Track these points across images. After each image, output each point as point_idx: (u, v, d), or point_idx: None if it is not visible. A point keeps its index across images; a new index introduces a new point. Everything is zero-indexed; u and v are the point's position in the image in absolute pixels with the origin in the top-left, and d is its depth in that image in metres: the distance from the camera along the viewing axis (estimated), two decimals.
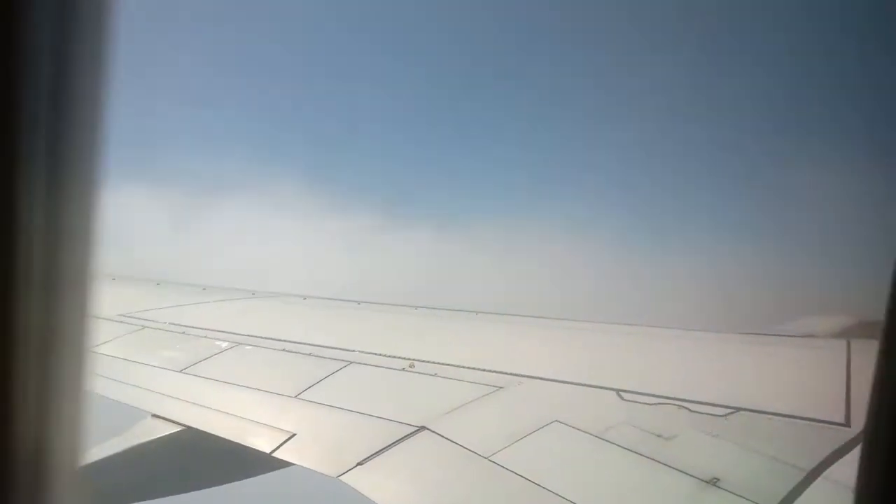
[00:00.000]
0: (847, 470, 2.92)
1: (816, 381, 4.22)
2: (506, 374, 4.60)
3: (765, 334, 5.52)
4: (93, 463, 4.35)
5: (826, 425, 3.34)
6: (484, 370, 4.71)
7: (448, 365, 4.91)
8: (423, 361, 5.04)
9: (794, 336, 5.49)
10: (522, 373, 4.59)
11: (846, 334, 5.12)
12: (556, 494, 3.09)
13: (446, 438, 3.79)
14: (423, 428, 3.93)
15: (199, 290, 9.03)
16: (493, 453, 3.53)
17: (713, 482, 2.97)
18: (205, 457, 4.57)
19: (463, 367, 4.84)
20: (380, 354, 5.33)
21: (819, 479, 2.88)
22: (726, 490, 2.90)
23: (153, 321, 6.96)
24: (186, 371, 5.44)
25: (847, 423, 3.30)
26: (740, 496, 2.85)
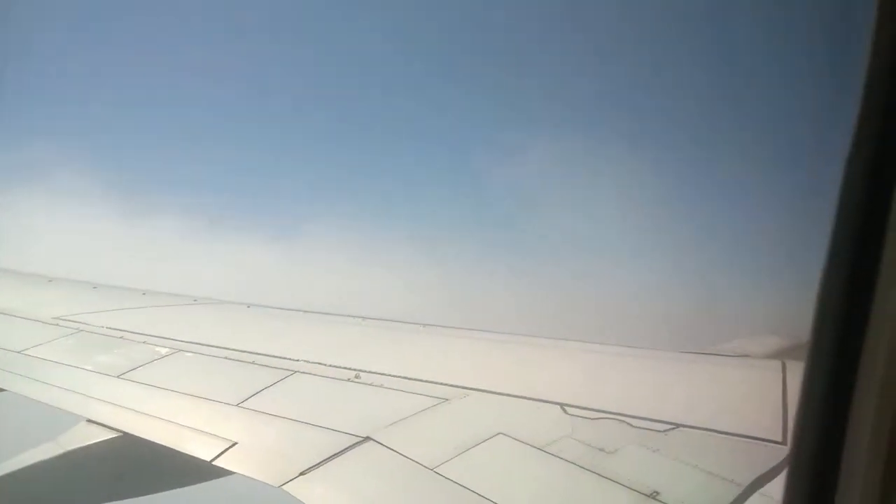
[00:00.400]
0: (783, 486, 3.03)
1: (753, 399, 4.36)
2: (451, 385, 4.62)
3: (702, 353, 5.68)
4: (25, 468, 4.20)
5: (763, 443, 3.45)
6: (429, 382, 4.72)
7: (393, 376, 4.90)
8: (369, 372, 5.02)
9: (730, 356, 5.66)
10: (467, 385, 4.62)
11: (780, 355, 5.31)
12: None
13: (391, 449, 3.78)
14: (367, 439, 3.91)
15: (138, 295, 8.81)
16: (438, 465, 3.53)
17: (653, 496, 3.03)
18: (142, 464, 4.45)
19: (408, 378, 4.84)
20: (325, 364, 5.29)
21: (756, 494, 2.98)
22: None
23: (89, 325, 6.75)
24: (124, 376, 5.29)
25: (783, 441, 3.42)
26: None
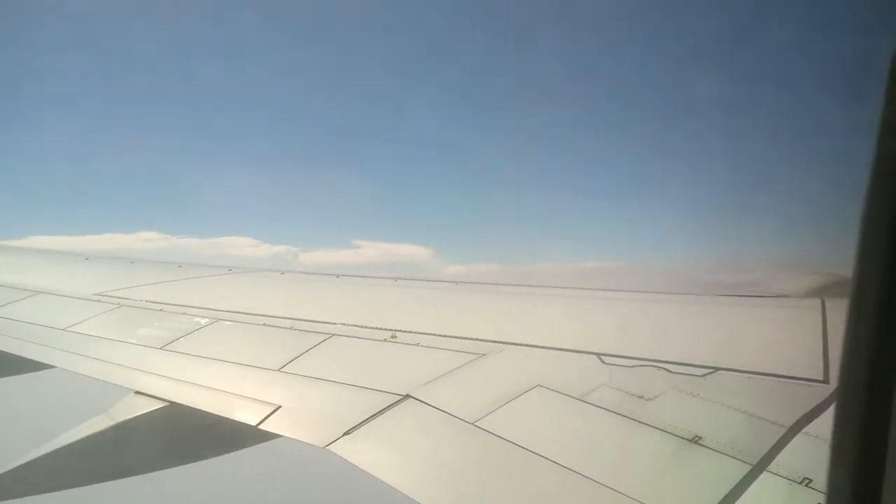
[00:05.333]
0: (827, 425, 3.00)
1: (793, 339, 4.31)
2: (487, 341, 4.64)
3: (739, 295, 5.61)
4: (78, 441, 4.33)
5: (804, 382, 3.41)
6: (465, 338, 4.75)
7: (429, 334, 4.94)
8: (405, 332, 5.06)
9: (768, 296, 5.59)
10: (504, 340, 4.63)
11: (820, 293, 5.22)
12: (542, 457, 3.14)
13: (431, 406, 3.82)
14: (407, 396, 3.96)
15: (174, 268, 8.95)
16: (478, 419, 3.57)
17: (695, 440, 3.03)
18: (190, 432, 4.56)
19: (444, 335, 4.87)
20: (361, 326, 5.34)
21: (799, 434, 2.95)
22: (708, 448, 2.97)
23: (130, 299, 6.89)
24: (167, 348, 5.41)
25: (825, 380, 3.38)
26: (722, 453, 2.92)
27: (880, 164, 1.31)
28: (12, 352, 5.79)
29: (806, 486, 2.62)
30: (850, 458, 1.40)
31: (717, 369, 3.68)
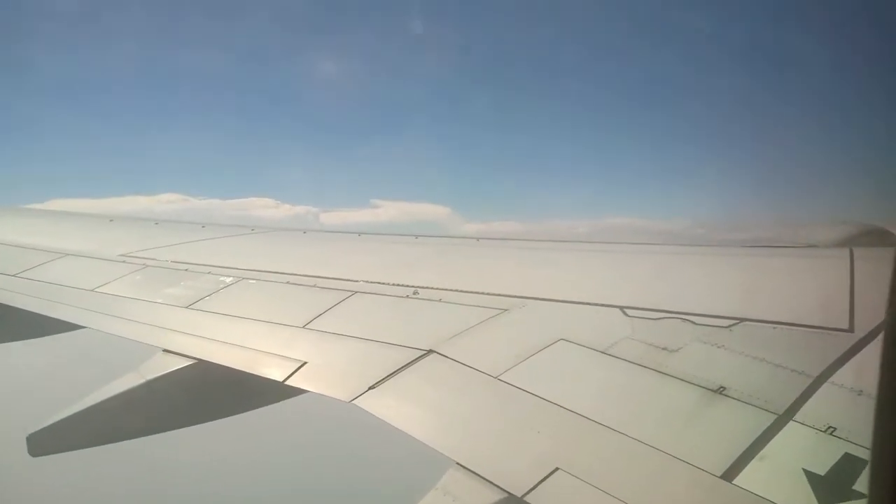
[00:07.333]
0: (853, 374, 2.98)
1: (819, 289, 4.25)
2: (509, 296, 4.63)
3: (766, 246, 5.54)
4: (110, 398, 4.43)
5: (830, 332, 3.38)
6: (487, 294, 4.74)
7: (451, 290, 4.94)
8: (427, 288, 5.07)
9: (795, 247, 5.51)
10: (526, 294, 4.62)
11: (848, 243, 5.14)
12: (567, 409, 3.15)
13: (455, 360, 3.85)
14: (430, 351, 3.98)
15: (198, 228, 9.02)
16: (502, 373, 3.59)
17: (720, 391, 3.02)
18: (217, 388, 4.64)
19: (466, 291, 4.87)
20: (383, 283, 5.36)
21: (826, 384, 2.94)
22: (734, 398, 2.96)
23: (155, 259, 6.96)
24: (193, 307, 5.47)
25: (851, 329, 3.34)
26: (748, 403, 2.91)
27: None
28: (43, 313, 5.90)
29: (831, 434, 2.61)
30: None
31: (743, 320, 3.65)
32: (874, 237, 4.91)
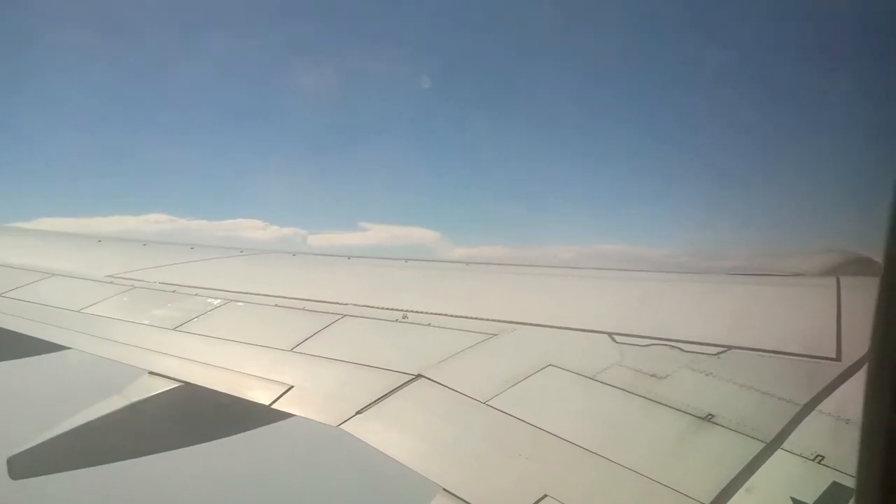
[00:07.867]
0: (841, 402, 2.98)
1: (806, 317, 4.28)
2: (498, 321, 4.63)
3: (754, 274, 5.57)
4: (94, 420, 4.37)
5: (818, 360, 3.39)
6: (476, 318, 4.74)
7: (440, 315, 4.94)
8: (416, 312, 5.06)
9: (783, 275, 5.54)
10: (515, 319, 4.62)
11: (835, 271, 5.17)
12: (556, 435, 3.14)
13: (443, 385, 3.83)
14: (419, 376, 3.97)
15: (186, 250, 8.99)
16: (490, 398, 3.57)
17: (708, 419, 3.02)
18: (204, 411, 4.59)
19: (455, 316, 4.87)
20: (372, 307, 5.34)
21: (814, 412, 2.94)
22: (722, 426, 2.96)
23: (142, 281, 6.92)
24: (180, 329, 5.44)
25: (838, 358, 3.36)
26: (736, 431, 2.91)
27: None
28: (29, 333, 5.84)
29: (818, 463, 2.61)
30: (880, 437, 1.38)
31: (731, 348, 3.67)
32: (860, 266, 4.94)
